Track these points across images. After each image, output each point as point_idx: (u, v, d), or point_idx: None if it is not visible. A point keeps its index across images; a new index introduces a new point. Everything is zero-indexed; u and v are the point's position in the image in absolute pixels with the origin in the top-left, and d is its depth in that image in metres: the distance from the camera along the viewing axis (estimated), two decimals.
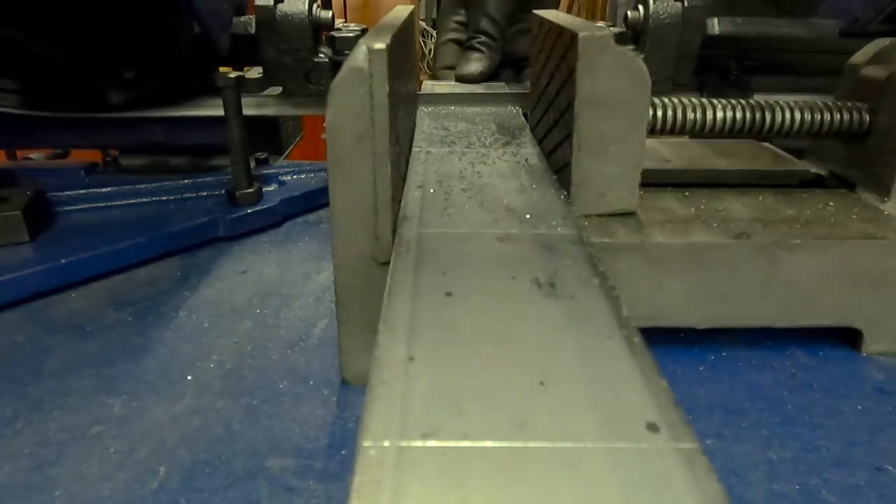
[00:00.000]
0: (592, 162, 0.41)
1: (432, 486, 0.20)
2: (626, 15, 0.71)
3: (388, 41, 0.33)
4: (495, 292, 0.31)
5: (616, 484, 0.20)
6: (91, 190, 0.67)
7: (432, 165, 0.47)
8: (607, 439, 0.22)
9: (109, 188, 0.67)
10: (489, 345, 0.27)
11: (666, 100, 0.47)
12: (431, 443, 0.22)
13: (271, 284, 0.54)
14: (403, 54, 0.45)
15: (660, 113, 0.47)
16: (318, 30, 0.67)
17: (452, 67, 0.86)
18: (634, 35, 0.71)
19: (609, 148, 0.41)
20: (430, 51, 3.66)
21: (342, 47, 0.66)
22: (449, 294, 0.31)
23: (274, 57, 0.67)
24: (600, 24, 0.68)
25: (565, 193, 0.42)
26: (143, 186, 0.68)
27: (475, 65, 0.80)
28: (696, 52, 0.70)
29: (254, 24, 0.66)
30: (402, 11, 0.51)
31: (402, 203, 0.40)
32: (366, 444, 0.21)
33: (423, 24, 3.68)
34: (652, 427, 0.23)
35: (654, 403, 0.24)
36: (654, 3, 0.68)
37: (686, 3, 0.68)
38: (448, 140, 0.54)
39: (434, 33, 3.46)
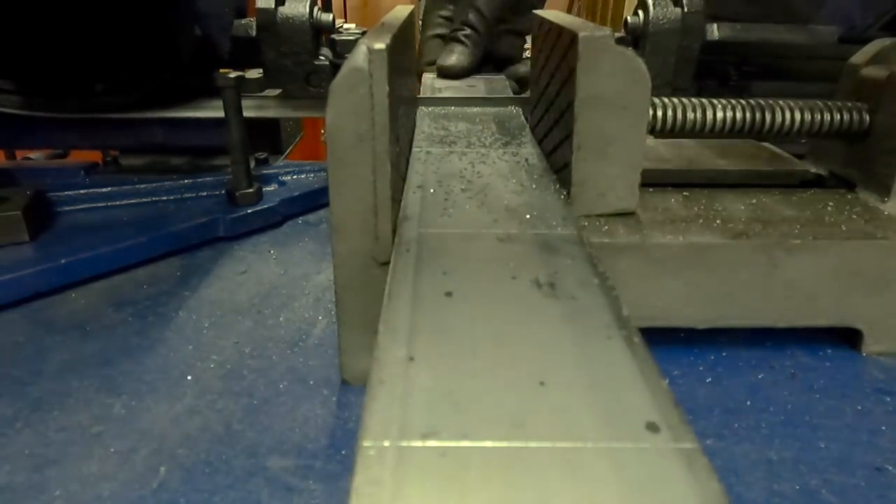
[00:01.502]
0: (592, 162, 0.41)
1: (432, 487, 0.20)
2: (625, 20, 0.71)
3: (387, 41, 0.33)
4: (495, 292, 0.31)
5: (616, 484, 0.20)
6: (91, 190, 0.67)
7: (432, 165, 0.47)
8: (607, 439, 0.22)
9: (109, 188, 0.67)
10: (489, 345, 0.27)
11: (666, 100, 0.47)
12: (431, 443, 0.22)
13: (271, 284, 0.54)
14: (403, 54, 0.45)
15: (660, 113, 0.47)
16: (319, 32, 0.68)
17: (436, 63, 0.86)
18: (634, 40, 0.71)
19: (609, 148, 0.41)
20: None
21: (343, 50, 0.67)
22: (449, 294, 0.31)
23: (274, 59, 0.67)
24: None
25: (565, 193, 0.42)
26: (143, 186, 0.68)
27: (456, 57, 0.79)
28: (696, 57, 0.70)
29: (254, 27, 0.67)
30: (401, 11, 0.51)
31: (403, 203, 0.40)
32: (366, 444, 0.21)
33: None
34: (652, 427, 0.23)
35: (654, 403, 0.24)
36: (654, 8, 0.69)
37: (686, 9, 0.68)
38: (448, 140, 0.54)
39: None
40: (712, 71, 0.77)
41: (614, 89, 0.39)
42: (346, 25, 0.87)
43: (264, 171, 0.74)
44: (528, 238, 0.37)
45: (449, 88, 0.76)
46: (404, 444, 0.21)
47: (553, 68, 0.48)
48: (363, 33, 0.69)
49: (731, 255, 0.41)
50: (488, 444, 0.22)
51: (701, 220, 0.43)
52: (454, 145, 0.52)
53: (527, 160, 0.48)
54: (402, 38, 0.43)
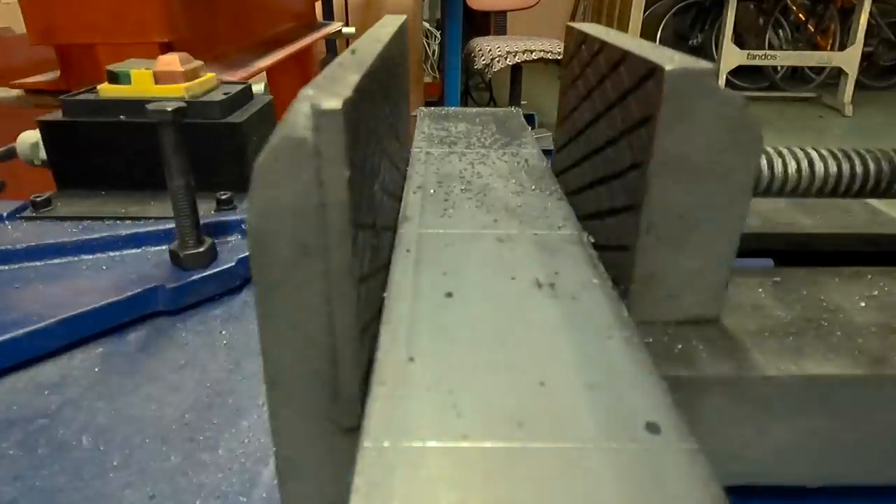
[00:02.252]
0: (666, 250, 0.29)
1: (433, 487, 0.20)
2: None
3: (349, 92, 0.20)
4: (495, 293, 0.31)
5: (616, 484, 0.20)
6: (4, 246, 0.53)
7: (432, 166, 0.46)
8: (607, 439, 0.22)
9: (28, 244, 0.54)
10: (489, 345, 0.27)
11: (771, 149, 0.34)
12: (432, 443, 0.21)
13: (216, 388, 0.41)
14: (384, 89, 0.32)
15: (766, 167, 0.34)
16: None
17: None
18: None
19: (693, 233, 0.29)
20: (433, 52, 3.53)
21: None
22: (449, 295, 0.31)
23: None
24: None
25: (622, 287, 0.30)
26: (70, 241, 0.54)
27: None
28: None
29: None
30: (388, 26, 0.38)
31: (403, 203, 0.40)
32: (367, 444, 0.21)
33: (426, 24, 3.55)
34: (652, 427, 0.22)
35: (654, 403, 0.24)
36: None
37: None
38: (448, 140, 0.53)
39: (437, 34, 3.34)
40: None
41: (710, 150, 0.27)
42: (344, 30, 0.75)
43: (225, 218, 0.59)
44: (528, 238, 0.36)
45: None
46: (405, 444, 0.21)
47: (604, 105, 0.35)
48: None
49: (867, 391, 0.28)
50: (488, 444, 0.21)
51: (813, 331, 0.31)
52: (454, 146, 0.51)
53: (527, 161, 0.48)
54: (385, 64, 0.30)
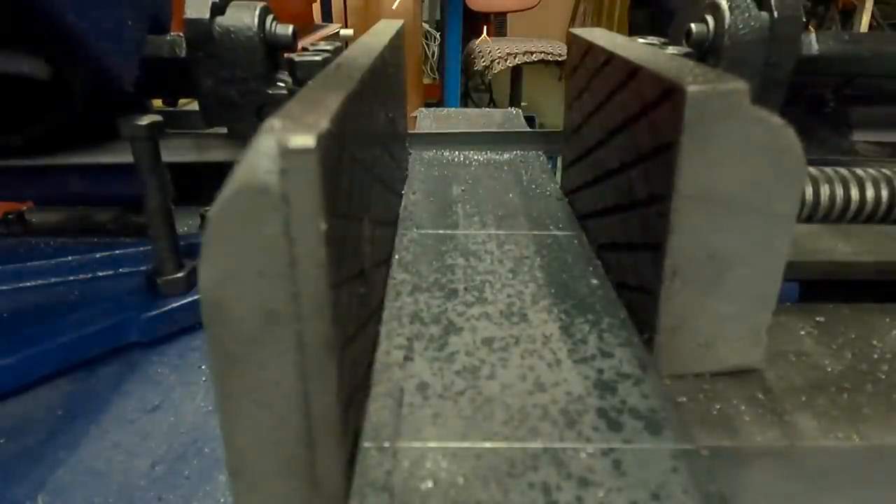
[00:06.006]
0: (696, 296, 0.25)
1: (432, 487, 0.19)
2: (689, 29, 0.52)
3: (326, 123, 0.16)
4: (496, 292, 0.31)
5: (616, 484, 0.20)
6: None
7: (432, 167, 0.47)
8: (607, 440, 0.22)
9: None
10: (489, 345, 0.27)
11: (815, 171, 0.30)
12: (431, 443, 0.21)
13: (190, 434, 0.37)
14: (376, 103, 0.28)
15: (810, 193, 0.30)
16: (274, 51, 0.50)
17: None
18: (701, 57, 0.53)
19: (726, 274, 0.25)
20: (433, 53, 3.49)
21: (306, 75, 0.49)
22: (449, 294, 0.31)
23: (213, 88, 0.49)
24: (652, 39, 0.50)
25: (646, 336, 0.26)
26: (39, 264, 0.50)
27: None
28: (787, 80, 0.51)
29: (183, 45, 0.49)
30: (382, 33, 0.35)
31: (403, 203, 0.40)
32: (366, 444, 0.21)
33: (425, 25, 3.52)
34: (652, 427, 0.22)
35: (655, 403, 0.24)
36: (732, 12, 0.50)
37: (776, 13, 0.49)
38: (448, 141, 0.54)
39: (437, 36, 3.30)
40: (802, 95, 0.58)
41: (744, 181, 0.23)
42: (342, 32, 0.71)
43: None
44: (528, 238, 0.37)
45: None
46: (404, 444, 0.21)
47: (615, 125, 0.31)
48: (336, 51, 0.51)
49: None
50: (488, 444, 0.22)
51: (869, 386, 0.27)
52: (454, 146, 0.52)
53: (524, 161, 0.50)
54: (379, 76, 0.27)
